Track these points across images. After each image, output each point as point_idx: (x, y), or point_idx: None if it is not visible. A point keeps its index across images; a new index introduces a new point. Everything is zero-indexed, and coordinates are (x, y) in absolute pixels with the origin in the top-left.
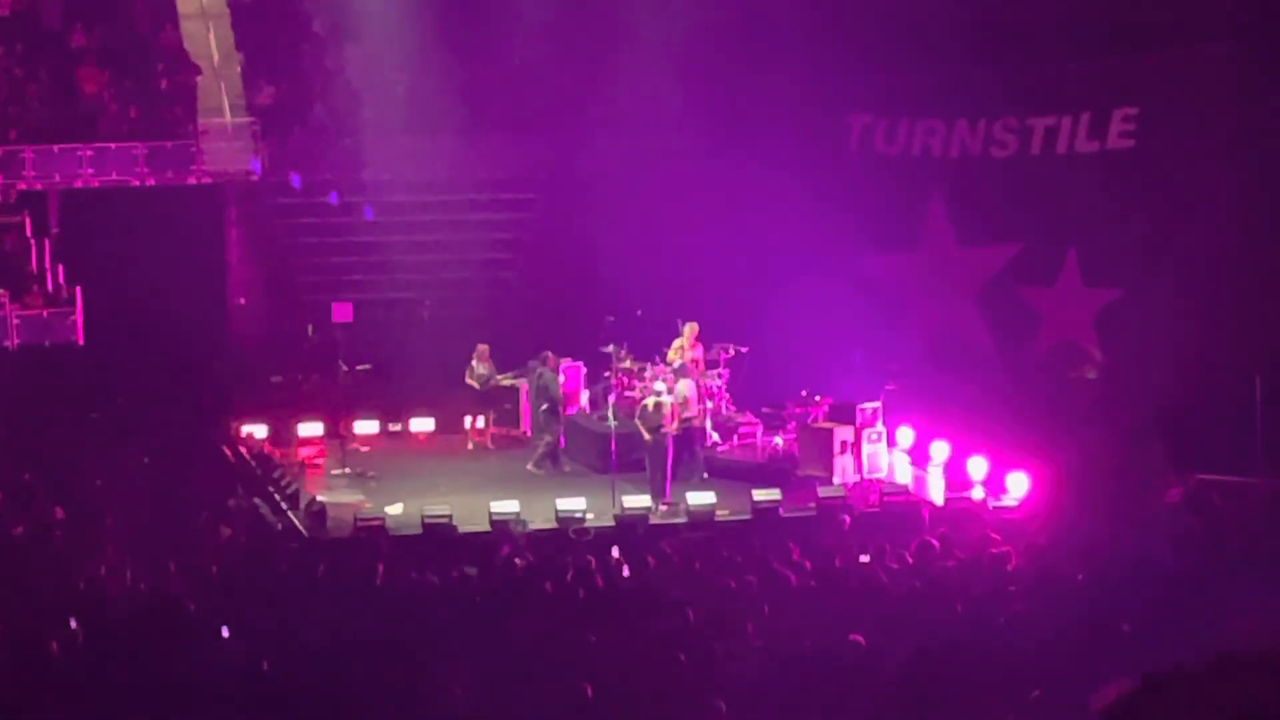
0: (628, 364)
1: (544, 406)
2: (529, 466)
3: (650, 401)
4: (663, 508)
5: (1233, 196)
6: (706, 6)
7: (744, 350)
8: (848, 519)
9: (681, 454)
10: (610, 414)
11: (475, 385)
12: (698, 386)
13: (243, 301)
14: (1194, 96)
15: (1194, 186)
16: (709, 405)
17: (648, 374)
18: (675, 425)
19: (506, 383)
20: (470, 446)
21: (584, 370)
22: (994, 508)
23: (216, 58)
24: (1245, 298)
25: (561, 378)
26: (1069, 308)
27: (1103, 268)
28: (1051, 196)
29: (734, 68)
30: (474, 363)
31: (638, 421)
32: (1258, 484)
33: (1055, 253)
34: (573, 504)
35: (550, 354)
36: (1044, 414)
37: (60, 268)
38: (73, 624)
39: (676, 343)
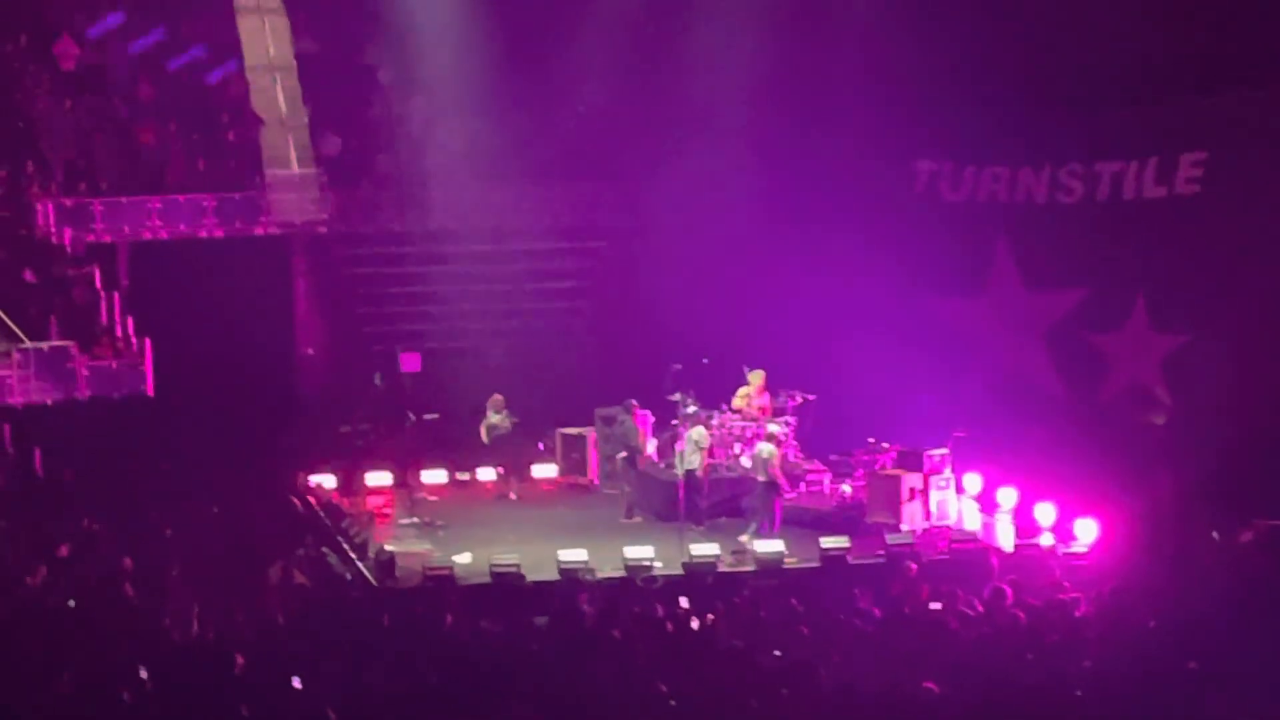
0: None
1: (623, 455)
2: (623, 519)
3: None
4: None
5: None
6: (772, 53)
7: (811, 397)
8: (914, 566)
9: (689, 500)
10: (678, 461)
11: (483, 437)
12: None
13: (311, 351)
14: (1262, 140)
15: (1262, 231)
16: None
17: (714, 422)
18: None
19: (502, 426)
20: (514, 495)
21: (652, 419)
22: (1063, 554)
23: (284, 109)
24: None
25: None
26: (1137, 352)
27: (1171, 313)
28: (1119, 241)
29: (800, 114)
30: (490, 413)
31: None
32: None
33: (1123, 297)
34: (641, 552)
35: (634, 403)
36: (1112, 459)
37: (130, 319)
38: (143, 673)
39: (743, 390)
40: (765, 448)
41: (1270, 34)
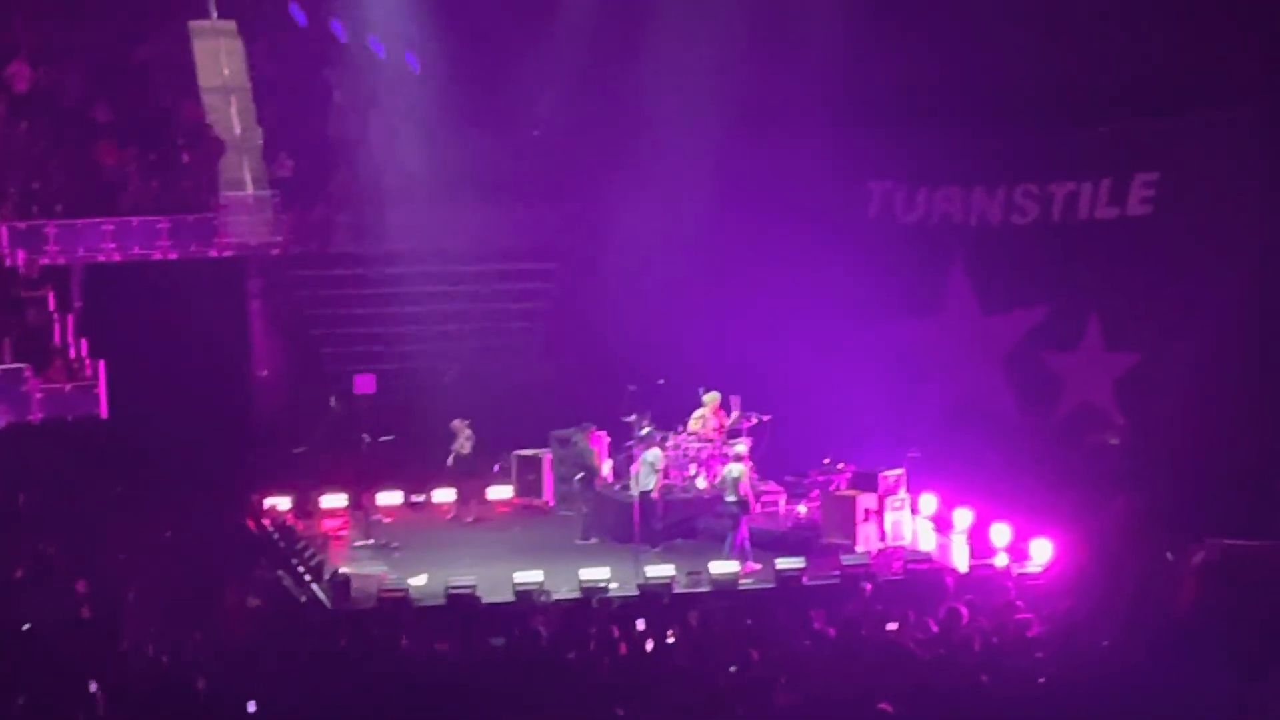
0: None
1: (579, 476)
2: (579, 541)
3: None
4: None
5: (1254, 260)
6: (728, 75)
7: (766, 418)
8: (869, 586)
9: (645, 522)
10: (633, 483)
11: (451, 460)
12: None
13: (265, 373)
14: (1214, 161)
15: (1214, 251)
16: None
17: (669, 443)
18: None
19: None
20: (470, 519)
21: (608, 440)
22: (1018, 574)
23: (238, 130)
24: (1266, 362)
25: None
26: (1091, 373)
27: (1124, 333)
28: (1073, 262)
29: (755, 135)
30: (460, 436)
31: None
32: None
33: (1077, 318)
34: (597, 574)
35: (591, 425)
36: (1066, 480)
37: (83, 341)
38: (97, 696)
39: (698, 412)
40: (736, 467)
41: (1220, 56)
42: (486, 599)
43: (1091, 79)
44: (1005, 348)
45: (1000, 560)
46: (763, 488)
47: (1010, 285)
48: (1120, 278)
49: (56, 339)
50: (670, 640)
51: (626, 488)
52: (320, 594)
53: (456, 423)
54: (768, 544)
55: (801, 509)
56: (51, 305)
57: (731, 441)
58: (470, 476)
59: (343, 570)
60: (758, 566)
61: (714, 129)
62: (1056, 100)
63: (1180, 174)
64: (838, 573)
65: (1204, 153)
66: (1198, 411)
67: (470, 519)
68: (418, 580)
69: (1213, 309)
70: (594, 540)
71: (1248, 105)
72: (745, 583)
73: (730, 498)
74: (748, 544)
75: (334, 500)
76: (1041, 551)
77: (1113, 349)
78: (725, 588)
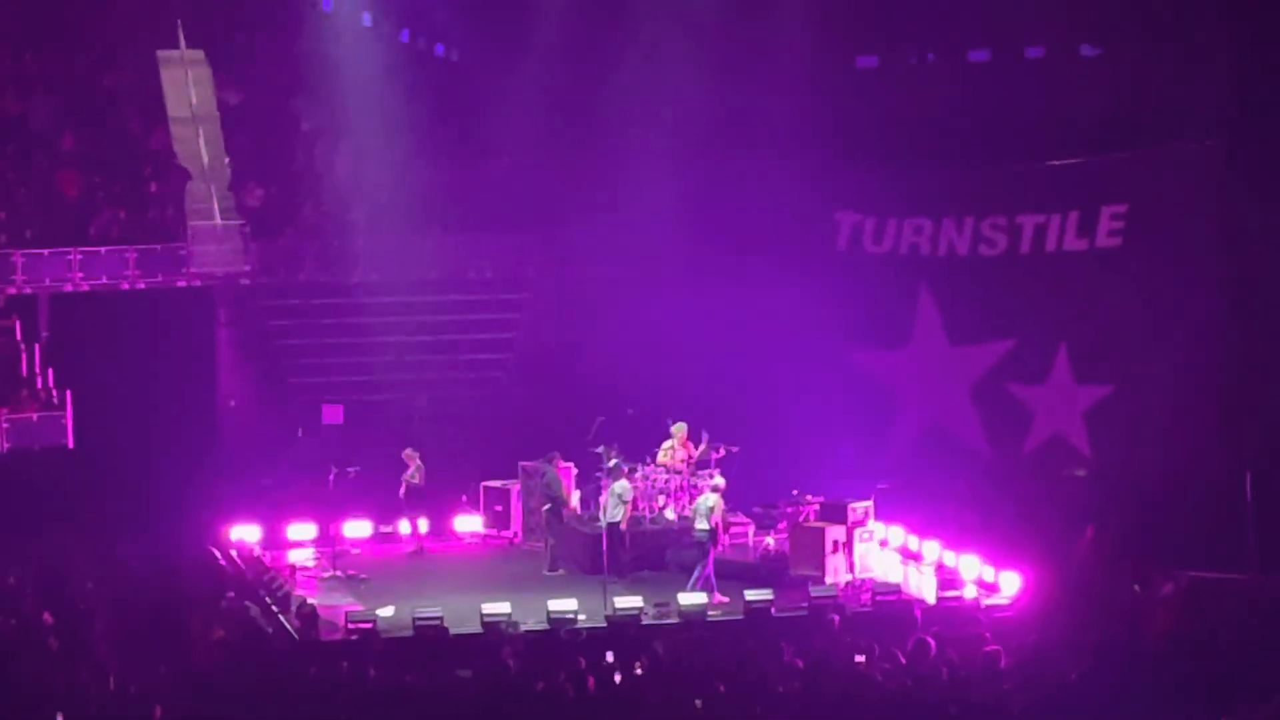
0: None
1: (547, 507)
2: (546, 572)
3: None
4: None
5: (1220, 292)
6: (698, 106)
7: (735, 450)
8: (837, 619)
9: (613, 553)
10: (601, 514)
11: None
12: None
13: (233, 403)
14: (1181, 193)
15: (1182, 283)
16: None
17: (638, 474)
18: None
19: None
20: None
21: (576, 471)
22: (986, 606)
23: (206, 160)
24: (1234, 394)
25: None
26: (1060, 404)
27: (1093, 364)
28: (1041, 294)
29: (725, 166)
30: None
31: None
32: (1249, 581)
33: (1046, 350)
34: (564, 605)
35: (557, 455)
36: (1035, 512)
37: (50, 371)
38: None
39: (666, 443)
40: (711, 497)
41: (1186, 91)
42: (454, 630)
43: (1060, 112)
44: (973, 379)
45: (969, 592)
46: (731, 519)
47: (978, 317)
48: (1088, 310)
49: (24, 369)
50: (638, 672)
51: (595, 519)
52: (287, 625)
53: (407, 452)
54: (736, 575)
55: (770, 540)
56: (18, 335)
57: (703, 473)
58: (420, 506)
59: (310, 601)
60: (725, 599)
61: (684, 159)
62: (1025, 133)
63: (1148, 206)
64: (806, 605)
65: (1171, 185)
66: (1165, 444)
67: (417, 549)
68: (385, 611)
69: (1180, 341)
70: (561, 571)
71: (1213, 138)
72: (714, 614)
73: (701, 526)
74: (713, 576)
75: (301, 531)
76: (1010, 583)
77: (1081, 381)
78: (693, 619)
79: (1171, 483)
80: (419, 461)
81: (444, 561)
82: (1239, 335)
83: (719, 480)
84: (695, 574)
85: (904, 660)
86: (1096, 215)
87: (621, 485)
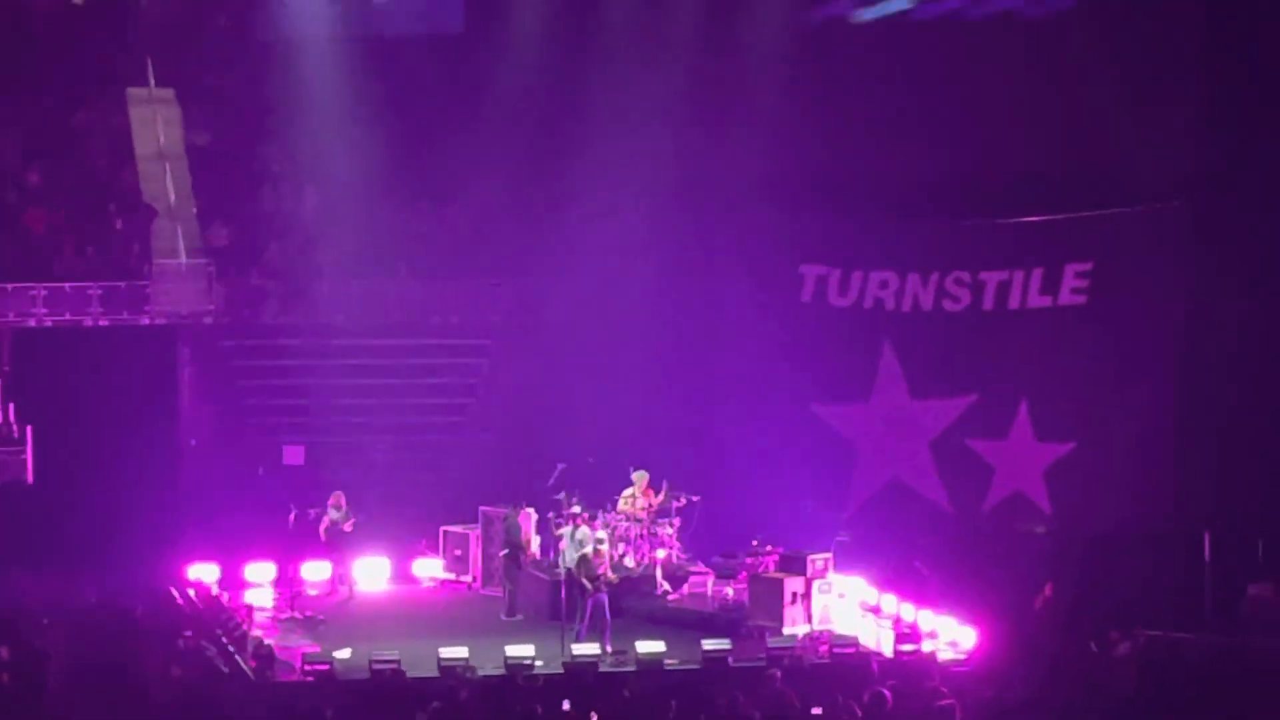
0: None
1: (505, 552)
2: (504, 617)
3: (589, 549)
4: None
5: (1182, 353)
6: (666, 155)
7: (695, 499)
8: (779, 673)
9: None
10: (560, 560)
11: (322, 534)
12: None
13: (194, 443)
14: (1146, 254)
15: (1144, 342)
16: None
17: (598, 521)
18: (612, 574)
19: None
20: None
21: (534, 517)
22: (943, 661)
23: (173, 198)
24: (1193, 454)
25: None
26: (1020, 461)
27: (1054, 422)
28: (1004, 350)
29: (690, 216)
30: (330, 511)
31: (576, 571)
32: (1206, 641)
33: (1007, 406)
34: (522, 650)
35: (520, 501)
36: (993, 568)
37: (11, 406)
38: None
39: (628, 491)
40: (585, 531)
41: (1154, 153)
42: (411, 673)
43: (1025, 169)
44: (934, 434)
45: (925, 646)
46: (690, 568)
47: (941, 372)
48: (1051, 367)
49: None
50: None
51: (555, 565)
52: (244, 665)
53: (335, 495)
54: (694, 625)
55: (729, 590)
56: None
57: (663, 521)
58: (344, 550)
59: (267, 642)
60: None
61: (651, 209)
62: (991, 190)
63: (1113, 265)
64: (764, 655)
65: (1136, 245)
66: (1125, 503)
67: (348, 592)
68: (342, 654)
69: (1140, 400)
70: (519, 617)
71: (1179, 200)
72: (671, 664)
73: (571, 555)
74: (606, 620)
75: (260, 571)
76: (968, 639)
77: (1042, 439)
78: (651, 667)
79: (1130, 541)
80: (345, 506)
81: (402, 604)
82: (1198, 396)
83: (601, 534)
84: (578, 621)
85: (860, 713)
86: (1060, 273)
87: (583, 531)
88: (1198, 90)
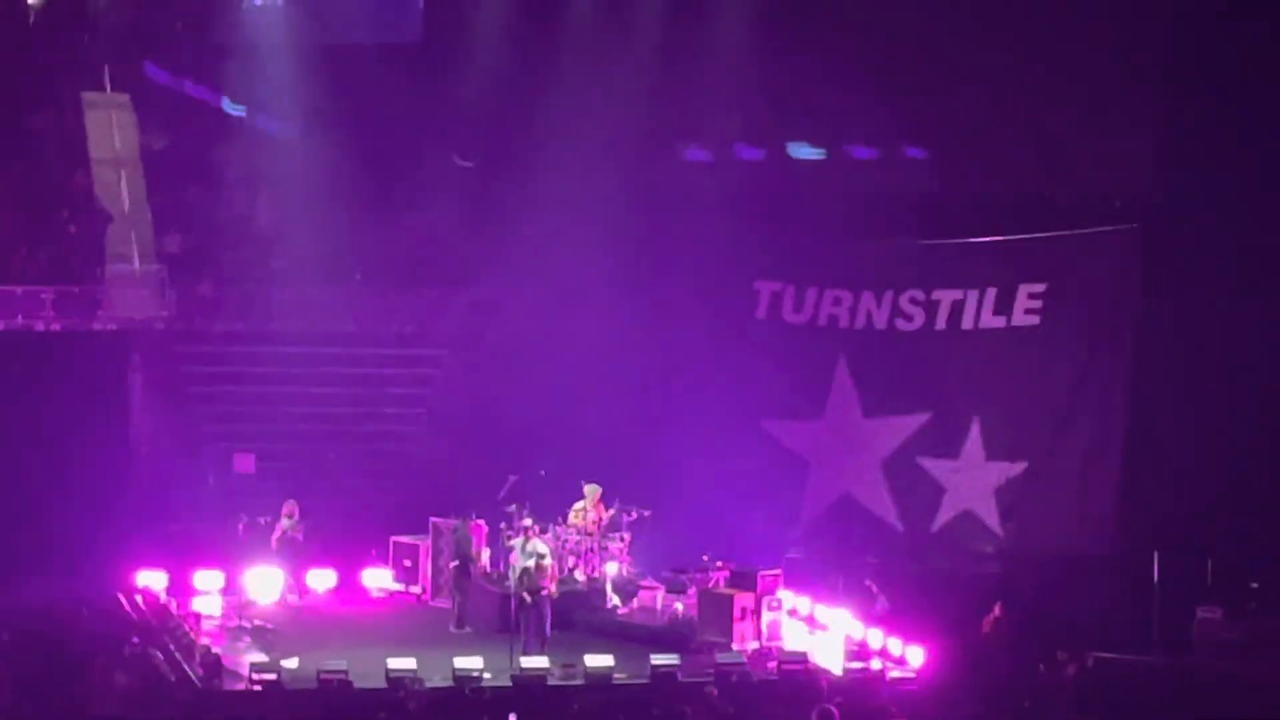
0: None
1: (455, 564)
2: (453, 629)
3: (531, 563)
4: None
5: (1132, 375)
6: (622, 169)
7: (647, 513)
8: (715, 691)
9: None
10: (510, 573)
11: (274, 542)
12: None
13: (145, 449)
14: (1099, 275)
15: (1095, 364)
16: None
17: (548, 534)
18: (555, 587)
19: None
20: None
21: (487, 529)
22: (892, 679)
23: (128, 204)
24: (1142, 476)
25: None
26: (971, 481)
27: (1005, 442)
28: (956, 370)
29: (647, 230)
30: (283, 519)
31: (517, 584)
32: (1153, 663)
33: (959, 426)
34: (470, 663)
35: (471, 512)
36: (943, 587)
37: None
38: None
39: (579, 504)
40: (542, 545)
41: (1108, 176)
42: (359, 684)
43: (982, 191)
44: (886, 452)
45: (874, 664)
46: (642, 583)
47: (894, 390)
48: (1003, 387)
49: None
50: None
51: (505, 577)
52: (191, 673)
53: (288, 504)
54: (644, 639)
55: (679, 605)
56: None
57: (613, 535)
58: (296, 559)
59: (214, 650)
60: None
61: (608, 221)
62: (946, 210)
63: (1066, 287)
64: (713, 670)
65: (1089, 267)
66: (1074, 523)
67: (292, 599)
68: (290, 663)
69: (1090, 421)
70: (468, 629)
71: (1133, 222)
72: (620, 678)
73: (524, 566)
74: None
75: (209, 579)
76: (916, 657)
77: (993, 458)
78: (599, 681)
79: (1079, 562)
80: (297, 515)
81: (352, 614)
82: (1148, 418)
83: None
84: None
85: None
86: (1014, 293)
87: (534, 544)
88: (1151, 114)
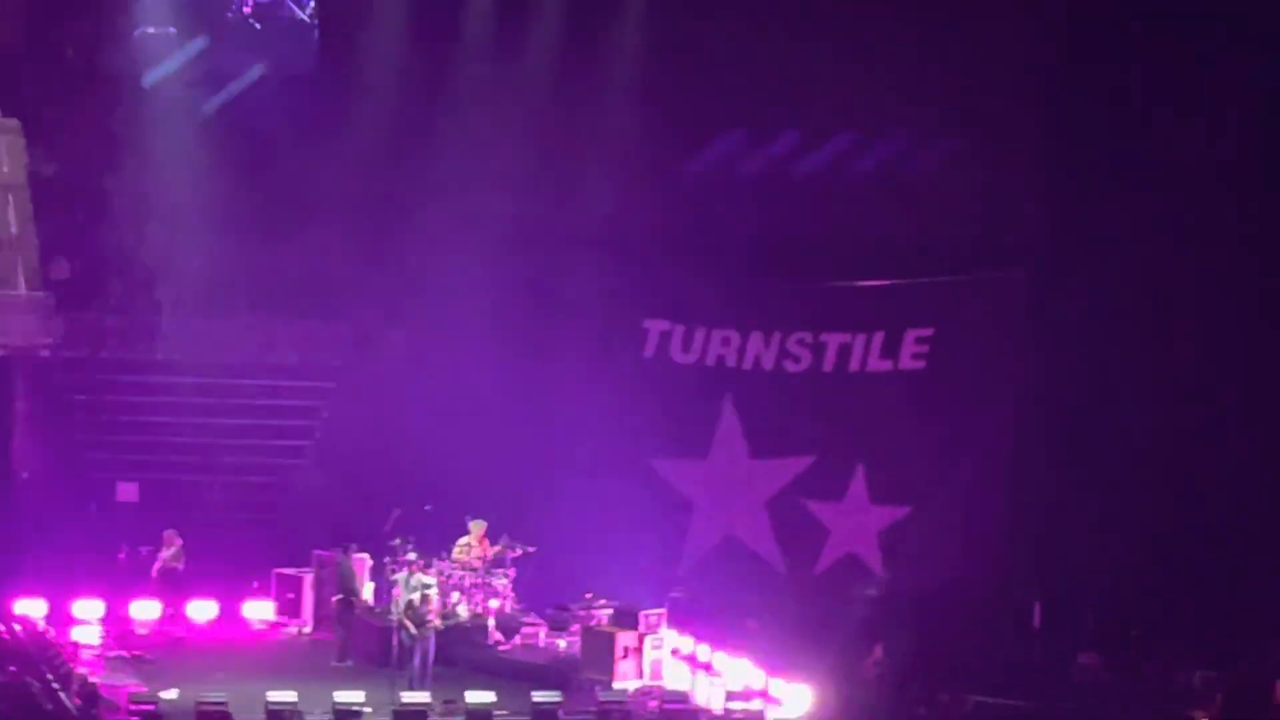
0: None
1: (338, 597)
2: (334, 663)
3: (416, 596)
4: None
5: (1016, 419)
6: (510, 205)
7: (531, 550)
8: None
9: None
10: (393, 607)
11: (155, 572)
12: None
13: (26, 475)
14: (985, 320)
15: (980, 409)
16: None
17: (432, 569)
18: (439, 620)
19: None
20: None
21: (370, 563)
22: (773, 719)
23: (14, 229)
24: (1024, 523)
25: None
26: (855, 523)
27: (889, 486)
28: (842, 413)
29: (537, 266)
30: (164, 549)
31: (402, 615)
32: (1033, 708)
33: (844, 468)
34: (351, 697)
35: (354, 546)
36: (825, 628)
37: None
38: None
39: (463, 540)
40: (430, 580)
41: (996, 221)
42: (237, 716)
43: (871, 234)
44: (771, 493)
45: (756, 704)
46: (523, 619)
47: (780, 432)
48: (888, 431)
49: None
50: None
51: (388, 611)
52: (68, 703)
53: (168, 533)
54: (526, 676)
55: (561, 643)
56: None
57: (498, 571)
58: (175, 589)
59: (92, 680)
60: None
61: (497, 256)
62: (835, 252)
63: (952, 331)
64: (594, 709)
65: (976, 312)
66: (956, 567)
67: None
68: (169, 694)
69: (974, 466)
70: (350, 663)
71: (1019, 268)
72: (501, 714)
73: (407, 599)
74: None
75: (88, 608)
76: (798, 698)
77: (877, 501)
78: (481, 717)
79: (962, 606)
80: (179, 543)
81: (233, 646)
82: (1030, 465)
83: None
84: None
85: None
86: (901, 337)
87: (417, 579)
88: (1038, 160)
